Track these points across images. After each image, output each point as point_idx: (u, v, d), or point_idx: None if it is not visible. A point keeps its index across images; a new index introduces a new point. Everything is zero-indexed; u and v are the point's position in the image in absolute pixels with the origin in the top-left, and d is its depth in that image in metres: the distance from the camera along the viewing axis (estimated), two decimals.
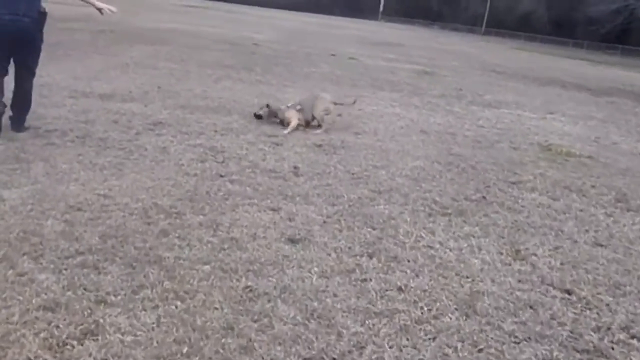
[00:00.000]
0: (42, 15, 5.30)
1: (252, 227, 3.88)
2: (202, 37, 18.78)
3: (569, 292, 3.43)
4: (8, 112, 5.42)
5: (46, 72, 8.19)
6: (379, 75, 14.17)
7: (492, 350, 2.74)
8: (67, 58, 10.72)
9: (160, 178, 4.73)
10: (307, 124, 7.19)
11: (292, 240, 3.75)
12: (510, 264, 3.76)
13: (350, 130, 7.41)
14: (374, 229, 4.10)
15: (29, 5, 5.16)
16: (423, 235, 4.08)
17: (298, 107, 7.18)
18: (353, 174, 5.52)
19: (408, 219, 4.37)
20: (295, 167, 5.50)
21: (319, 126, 7.16)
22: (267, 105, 7.34)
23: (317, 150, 6.27)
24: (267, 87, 10.26)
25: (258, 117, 7.32)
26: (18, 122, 5.51)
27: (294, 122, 6.98)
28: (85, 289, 2.88)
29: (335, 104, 7.42)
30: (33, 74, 5.54)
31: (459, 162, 6.36)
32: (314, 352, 2.58)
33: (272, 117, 7.24)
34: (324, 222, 4.13)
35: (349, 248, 3.73)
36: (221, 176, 4.99)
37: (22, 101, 5.49)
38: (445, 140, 7.52)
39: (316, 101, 7.21)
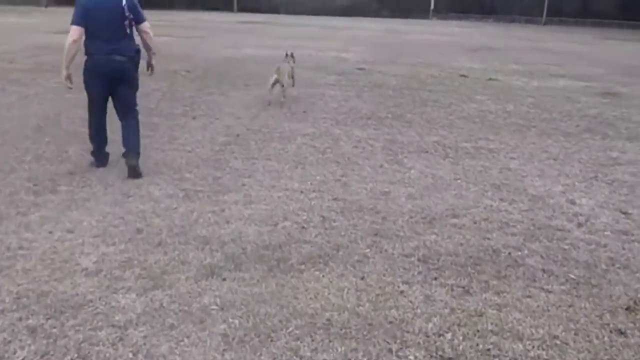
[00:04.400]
0: (138, 52, 5.26)
1: None
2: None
3: None
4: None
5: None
6: (560, 107, 10.18)
7: None
8: (157, 129, 6.95)
9: None
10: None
11: None
12: None
13: None
14: None
15: (125, 45, 5.15)
16: None
17: (274, 76, 8.97)
18: None
19: None
20: None
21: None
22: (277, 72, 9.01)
23: None
24: (466, 159, 6.35)
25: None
26: (133, 166, 5.27)
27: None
28: None
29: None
30: (135, 109, 5.51)
31: None
32: None
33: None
34: None
35: None
36: None
37: (133, 140, 5.37)
38: None
39: (281, 68, 9.15)
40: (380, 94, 10.77)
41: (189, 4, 69.91)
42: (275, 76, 8.95)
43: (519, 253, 3.95)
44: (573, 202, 5.09)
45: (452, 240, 4.10)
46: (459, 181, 5.58)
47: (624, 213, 4.89)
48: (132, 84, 5.42)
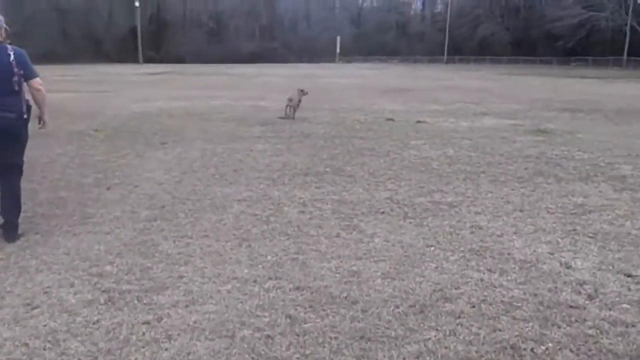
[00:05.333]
0: (28, 109, 4.89)
1: None
2: (213, 117, 13.99)
3: None
4: None
5: None
6: (499, 148, 9.83)
7: None
8: (66, 205, 5.84)
9: None
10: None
11: None
12: None
13: None
14: None
15: (13, 101, 4.75)
16: None
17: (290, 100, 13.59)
18: None
19: None
20: None
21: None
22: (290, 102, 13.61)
23: None
24: (429, 218, 5.71)
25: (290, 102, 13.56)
26: (10, 230, 4.91)
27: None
28: None
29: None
30: (21, 172, 5.10)
31: None
32: None
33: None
34: None
35: None
36: None
37: (12, 203, 4.96)
38: None
39: (294, 94, 13.75)
40: (311, 145, 10.00)
41: (93, 57, 67.77)
42: (288, 102, 13.68)
43: (543, 347, 3.17)
44: (568, 266, 4.41)
45: (458, 338, 3.27)
46: (432, 249, 4.79)
47: (629, 276, 4.24)
48: (21, 143, 5.00)
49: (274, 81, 30.95)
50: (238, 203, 6.26)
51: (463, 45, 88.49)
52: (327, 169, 8.06)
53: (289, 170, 7.97)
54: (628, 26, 67.92)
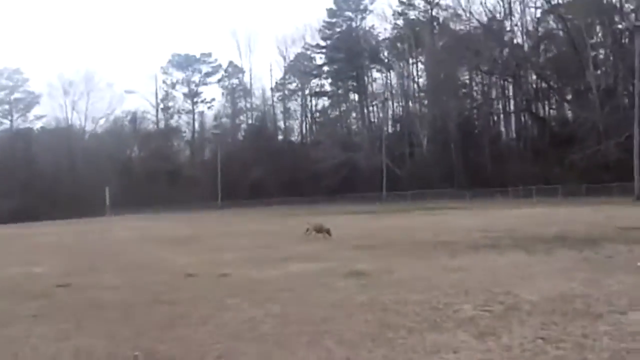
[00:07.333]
0: None
1: None
2: None
3: None
4: None
5: None
6: (326, 298, 9.16)
7: None
8: None
9: None
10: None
11: None
12: None
13: None
14: None
15: None
16: None
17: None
18: None
19: None
20: None
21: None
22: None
23: None
24: None
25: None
26: None
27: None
28: None
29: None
30: None
31: None
32: None
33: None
34: None
35: None
36: None
37: None
38: None
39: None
40: (107, 320, 8.25)
41: None
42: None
43: None
44: None
45: None
46: None
47: None
48: None
49: (44, 241, 27.69)
50: None
51: (236, 190, 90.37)
52: (137, 353, 6.41)
53: None
54: (383, 164, 74.82)
